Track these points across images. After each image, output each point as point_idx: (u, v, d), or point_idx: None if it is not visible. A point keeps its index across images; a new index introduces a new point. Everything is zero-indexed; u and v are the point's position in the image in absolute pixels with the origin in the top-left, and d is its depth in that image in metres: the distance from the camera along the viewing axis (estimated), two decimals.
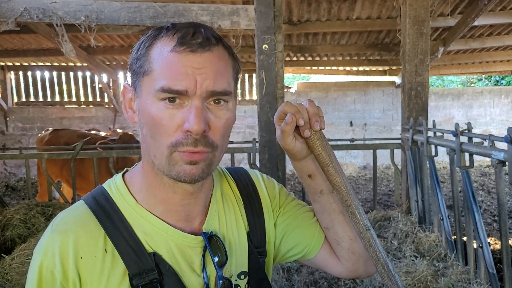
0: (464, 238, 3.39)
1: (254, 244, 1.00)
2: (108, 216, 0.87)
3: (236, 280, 0.95)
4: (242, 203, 1.03)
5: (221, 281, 0.89)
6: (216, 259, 0.90)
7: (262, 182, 1.08)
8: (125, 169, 0.98)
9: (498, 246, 4.33)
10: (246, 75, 10.14)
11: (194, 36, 0.80)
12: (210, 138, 0.82)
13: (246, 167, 1.18)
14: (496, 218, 5.54)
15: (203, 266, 0.90)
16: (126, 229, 0.86)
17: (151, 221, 0.89)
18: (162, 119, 0.80)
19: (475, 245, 3.11)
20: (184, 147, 0.80)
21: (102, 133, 6.61)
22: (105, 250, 0.84)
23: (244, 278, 0.97)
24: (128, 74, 0.89)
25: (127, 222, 0.87)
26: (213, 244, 0.91)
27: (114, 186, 0.92)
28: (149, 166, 0.88)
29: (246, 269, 0.98)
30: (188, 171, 0.82)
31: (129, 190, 0.91)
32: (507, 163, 2.52)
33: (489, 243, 2.98)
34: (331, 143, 5.71)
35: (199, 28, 0.82)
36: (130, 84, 0.87)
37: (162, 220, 0.89)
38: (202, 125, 0.78)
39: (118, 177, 0.95)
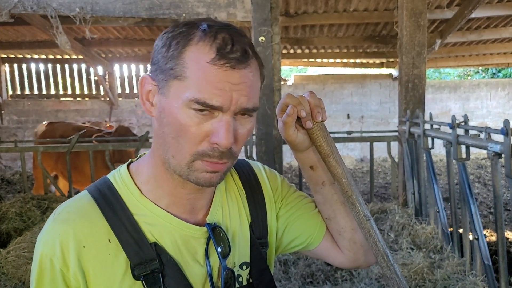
0: (460, 230, 3.40)
1: (256, 235, 1.01)
2: (110, 205, 0.87)
3: (238, 270, 0.96)
4: (245, 195, 1.03)
5: (224, 271, 0.91)
6: (219, 249, 0.91)
7: (264, 173, 1.09)
8: (129, 160, 0.98)
9: (493, 238, 4.35)
10: None
11: (233, 49, 0.78)
12: (233, 149, 0.83)
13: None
14: (492, 210, 5.57)
15: (207, 256, 0.91)
16: (128, 219, 0.87)
17: (155, 212, 0.89)
18: (190, 126, 0.79)
19: (471, 237, 3.12)
20: (209, 158, 0.81)
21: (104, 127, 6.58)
22: (109, 240, 0.84)
23: (246, 269, 0.98)
24: (150, 66, 0.86)
25: (129, 212, 0.88)
26: (216, 235, 0.92)
27: (118, 176, 0.92)
28: (159, 160, 0.88)
29: (248, 260, 0.99)
30: (208, 178, 0.83)
31: (134, 181, 0.91)
32: (503, 155, 2.52)
33: (485, 235, 2.98)
34: None
35: (237, 37, 0.80)
36: (152, 77, 0.85)
37: (167, 211, 0.90)
38: (231, 139, 0.79)
39: (123, 167, 0.95)
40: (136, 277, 0.84)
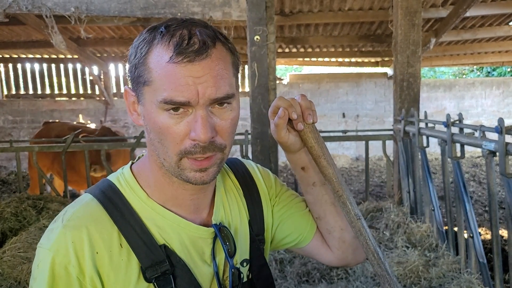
0: (455, 229, 3.42)
1: (254, 232, 1.03)
2: (118, 209, 0.87)
3: (239, 267, 0.98)
4: (242, 193, 1.06)
5: (232, 270, 0.93)
6: (226, 249, 0.93)
7: (258, 172, 1.11)
8: (130, 162, 0.98)
9: (488, 236, 4.37)
10: None
11: (190, 43, 0.78)
12: (217, 142, 0.83)
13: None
14: (486, 208, 5.60)
15: (213, 256, 0.93)
16: (136, 222, 0.87)
17: (163, 214, 0.90)
18: (169, 128, 0.80)
19: (466, 235, 3.14)
20: (192, 155, 0.81)
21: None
22: (120, 245, 0.85)
23: (246, 265, 1.00)
24: (128, 75, 0.88)
25: (137, 215, 0.88)
26: (222, 235, 0.94)
27: (123, 179, 0.92)
28: (156, 166, 0.89)
29: (247, 257, 1.01)
30: (199, 177, 0.84)
31: (139, 184, 0.92)
32: (497, 154, 2.54)
33: (479, 233, 3.00)
34: (323, 134, 5.71)
35: (194, 30, 0.80)
36: (131, 88, 0.87)
37: (173, 213, 0.91)
38: (209, 133, 0.79)
39: (126, 170, 0.95)
40: (147, 279, 0.84)
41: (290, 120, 0.91)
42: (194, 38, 0.79)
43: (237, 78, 0.88)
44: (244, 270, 0.99)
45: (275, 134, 0.94)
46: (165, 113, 0.80)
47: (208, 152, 0.82)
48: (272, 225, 1.08)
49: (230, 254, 0.93)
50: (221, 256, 0.95)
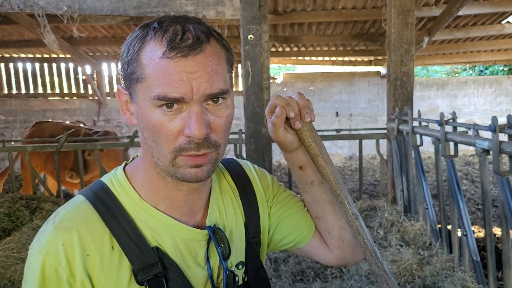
0: (449, 227, 3.44)
1: (250, 234, 1.02)
2: (110, 210, 0.86)
3: (234, 270, 0.97)
4: (238, 194, 1.04)
5: (226, 273, 0.92)
6: (220, 252, 0.92)
7: (254, 173, 1.09)
8: (124, 163, 0.97)
9: (482, 234, 4.40)
10: None
11: (183, 38, 0.77)
12: (212, 139, 0.82)
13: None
14: (480, 206, 5.64)
15: (207, 259, 0.92)
16: (129, 224, 0.86)
17: (156, 216, 0.89)
18: (163, 125, 0.79)
19: (459, 233, 3.16)
20: (187, 151, 0.80)
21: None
22: (112, 247, 0.83)
23: (242, 268, 0.99)
24: (120, 73, 0.86)
25: (129, 217, 0.87)
26: (216, 237, 0.92)
27: (115, 180, 0.91)
28: (150, 166, 0.87)
29: (243, 259, 0.99)
30: (194, 174, 0.82)
31: (132, 185, 0.90)
32: (491, 152, 2.55)
33: (473, 231, 3.02)
34: None
35: (187, 26, 0.79)
36: (124, 87, 0.85)
37: (167, 214, 0.90)
38: (204, 129, 0.78)
39: (119, 171, 0.93)
40: (139, 282, 0.83)
41: (287, 119, 0.90)
42: (188, 34, 0.77)
43: (231, 75, 0.87)
44: (240, 273, 0.98)
45: (272, 133, 0.93)
46: (158, 110, 0.78)
47: (203, 149, 0.80)
48: (270, 227, 1.07)
49: (224, 256, 0.92)
50: (215, 259, 0.93)
